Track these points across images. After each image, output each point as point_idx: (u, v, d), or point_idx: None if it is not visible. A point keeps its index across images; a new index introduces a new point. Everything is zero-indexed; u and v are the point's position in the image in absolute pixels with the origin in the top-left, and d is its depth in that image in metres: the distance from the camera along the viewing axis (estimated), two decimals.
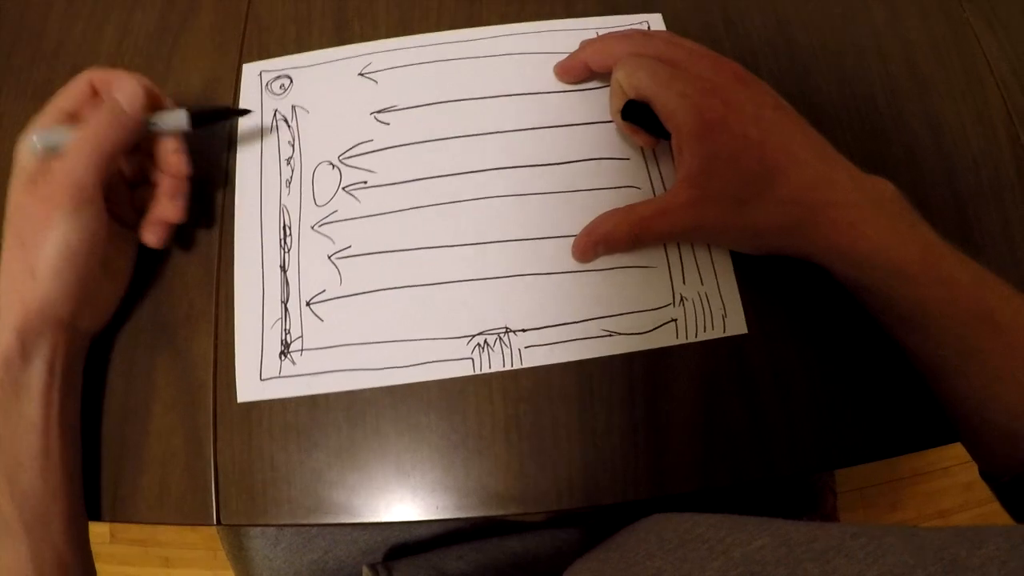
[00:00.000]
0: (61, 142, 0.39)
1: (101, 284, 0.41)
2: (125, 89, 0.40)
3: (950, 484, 1.18)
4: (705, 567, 0.27)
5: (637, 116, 0.42)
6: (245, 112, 0.47)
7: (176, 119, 0.42)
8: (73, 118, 0.41)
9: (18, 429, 0.37)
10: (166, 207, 0.42)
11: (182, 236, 0.45)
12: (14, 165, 0.39)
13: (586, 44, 0.46)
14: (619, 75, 0.42)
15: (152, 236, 0.43)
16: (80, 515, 0.40)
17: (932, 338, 0.37)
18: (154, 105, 0.42)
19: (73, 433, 0.40)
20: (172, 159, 0.42)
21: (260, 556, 0.59)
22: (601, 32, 0.50)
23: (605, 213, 0.42)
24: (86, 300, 0.40)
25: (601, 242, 0.42)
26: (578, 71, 0.47)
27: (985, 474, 0.40)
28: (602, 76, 0.47)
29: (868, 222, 0.37)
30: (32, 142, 0.39)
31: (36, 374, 0.38)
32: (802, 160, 0.38)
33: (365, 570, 0.49)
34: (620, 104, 0.43)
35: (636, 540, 0.34)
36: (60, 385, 0.39)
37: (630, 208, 0.42)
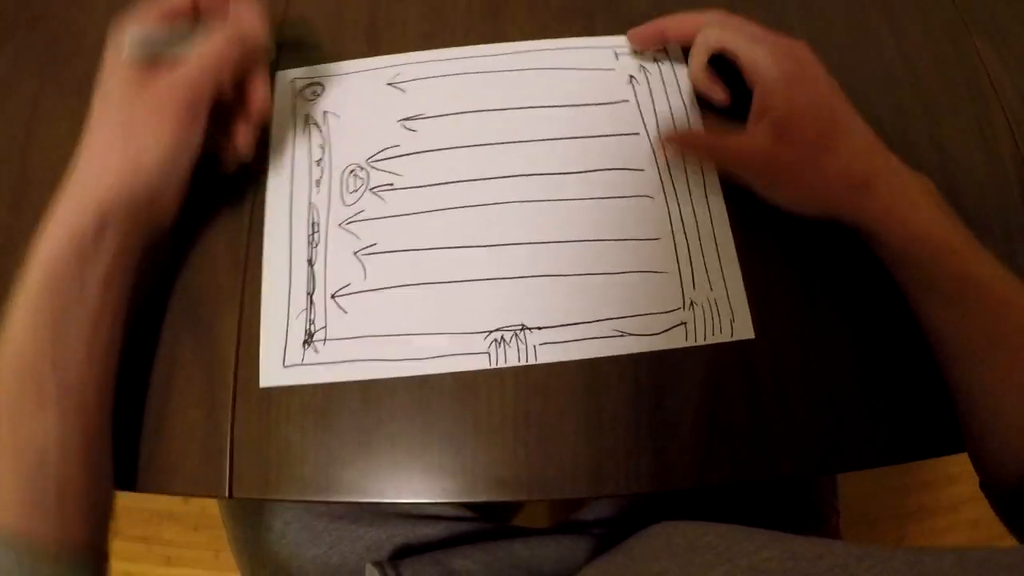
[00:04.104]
0: (162, 48, 0.42)
1: (173, 190, 0.44)
2: (252, 14, 0.43)
3: (957, 521, 1.17)
4: (710, 572, 0.27)
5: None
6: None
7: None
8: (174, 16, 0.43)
9: (77, 307, 0.38)
10: (244, 134, 0.45)
11: (215, 224, 0.47)
12: (112, 52, 0.42)
13: (664, 17, 0.50)
14: (708, 32, 0.47)
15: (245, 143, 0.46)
16: (109, 406, 0.41)
17: (968, 318, 0.39)
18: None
19: (122, 326, 0.41)
20: (258, 92, 0.45)
21: (265, 550, 0.59)
22: (621, 49, 0.52)
23: (695, 134, 0.49)
24: (159, 203, 0.42)
25: (687, 141, 0.48)
26: (653, 38, 0.51)
27: (986, 485, 0.40)
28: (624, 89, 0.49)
29: (919, 197, 0.41)
30: (130, 40, 0.41)
31: (103, 258, 0.39)
32: (861, 127, 0.43)
33: (370, 567, 0.50)
34: (703, 60, 0.48)
35: (643, 544, 0.35)
36: (121, 274, 0.41)
37: (714, 137, 0.47)
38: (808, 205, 0.44)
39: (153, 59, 0.41)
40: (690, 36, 0.48)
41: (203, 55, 0.41)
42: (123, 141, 0.40)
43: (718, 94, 0.48)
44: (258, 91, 0.45)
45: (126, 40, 0.41)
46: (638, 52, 0.52)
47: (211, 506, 1.15)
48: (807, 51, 0.45)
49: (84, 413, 0.38)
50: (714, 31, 0.46)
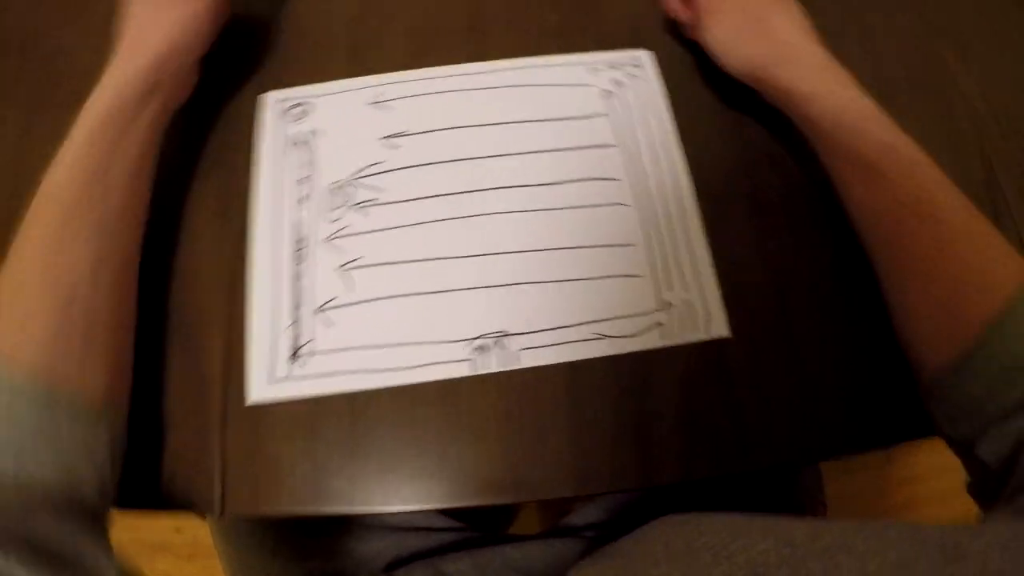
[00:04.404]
0: None
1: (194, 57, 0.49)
2: None
3: (946, 515, 1.17)
4: (710, 573, 0.28)
5: None
6: None
7: None
8: None
9: (125, 144, 0.43)
10: None
11: (201, 243, 0.48)
12: None
13: None
14: None
15: None
16: (141, 236, 0.44)
17: (895, 189, 0.41)
18: None
19: (155, 170, 0.46)
20: None
21: (258, 568, 0.60)
22: (596, 65, 0.54)
23: None
24: (188, 69, 0.48)
25: None
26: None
27: (927, 394, 0.40)
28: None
29: (848, 80, 0.45)
30: None
31: (154, 104, 0.44)
32: (802, 12, 0.48)
33: None
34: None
35: (642, 548, 0.35)
36: (163, 123, 0.46)
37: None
38: (740, 54, 0.48)
39: None
40: None
41: None
42: (153, 12, 0.46)
43: (683, 13, 0.52)
44: None
45: None
46: (614, 67, 0.54)
47: (204, 536, 1.14)
48: None
49: (118, 252, 0.41)
50: None
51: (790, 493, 0.61)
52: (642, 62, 0.54)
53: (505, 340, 0.45)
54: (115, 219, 0.41)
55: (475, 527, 0.61)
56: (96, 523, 0.36)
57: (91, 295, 0.38)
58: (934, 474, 1.17)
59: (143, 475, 0.43)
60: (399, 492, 0.43)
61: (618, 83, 0.54)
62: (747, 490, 0.58)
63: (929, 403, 0.40)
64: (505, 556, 0.54)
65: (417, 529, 0.59)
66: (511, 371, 0.44)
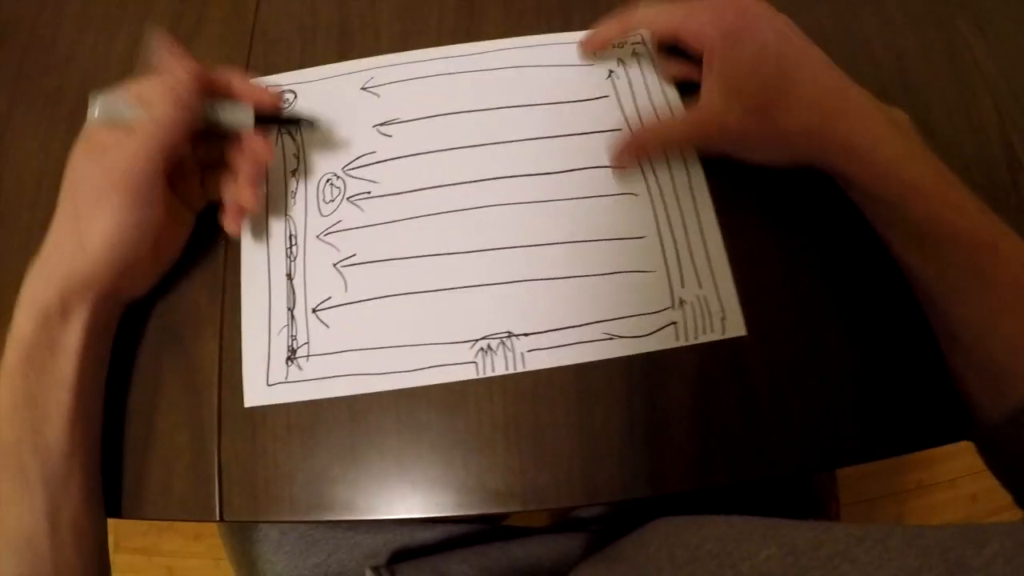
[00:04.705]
0: (122, 115, 0.40)
1: (147, 259, 0.42)
2: (179, 76, 0.40)
3: (955, 496, 1.17)
4: None
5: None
6: (311, 123, 0.47)
7: (240, 116, 0.43)
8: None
9: (51, 386, 0.38)
10: (245, 194, 0.43)
11: (189, 243, 0.46)
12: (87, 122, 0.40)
13: (599, 27, 0.49)
14: (642, 29, 0.47)
15: (234, 225, 0.44)
16: (97, 481, 0.40)
17: (940, 258, 0.39)
18: (215, 91, 0.43)
19: (100, 397, 0.41)
20: (256, 144, 0.43)
21: (263, 560, 0.59)
22: None
23: (640, 128, 0.47)
24: (131, 275, 0.42)
25: (636, 147, 0.46)
26: (599, 44, 0.50)
27: (975, 431, 0.40)
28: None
29: (885, 135, 0.40)
30: (92, 107, 0.40)
31: (74, 335, 0.39)
32: (817, 70, 0.41)
33: (368, 573, 0.50)
34: (665, 66, 0.49)
35: (646, 555, 0.35)
36: (95, 348, 0.40)
37: (662, 122, 0.47)
38: (775, 158, 0.44)
39: (117, 123, 0.40)
40: (628, 32, 0.48)
41: (145, 126, 0.39)
42: (73, 221, 0.39)
43: (687, 72, 0.48)
44: (253, 145, 0.43)
45: (92, 104, 0.40)
46: (617, 45, 0.51)
47: None
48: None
49: (71, 490, 0.38)
50: (647, 25, 0.46)
51: (803, 487, 0.60)
52: (646, 39, 0.51)
53: (511, 341, 0.43)
54: (62, 463, 0.38)
55: (482, 517, 0.60)
56: None
57: (52, 539, 0.37)
58: (944, 457, 1.17)
59: (139, 484, 0.42)
60: (403, 499, 0.41)
61: (622, 62, 0.51)
62: (760, 485, 0.57)
63: (984, 450, 0.39)
64: (510, 555, 0.54)
65: (424, 521, 0.58)
66: (518, 373, 0.42)
